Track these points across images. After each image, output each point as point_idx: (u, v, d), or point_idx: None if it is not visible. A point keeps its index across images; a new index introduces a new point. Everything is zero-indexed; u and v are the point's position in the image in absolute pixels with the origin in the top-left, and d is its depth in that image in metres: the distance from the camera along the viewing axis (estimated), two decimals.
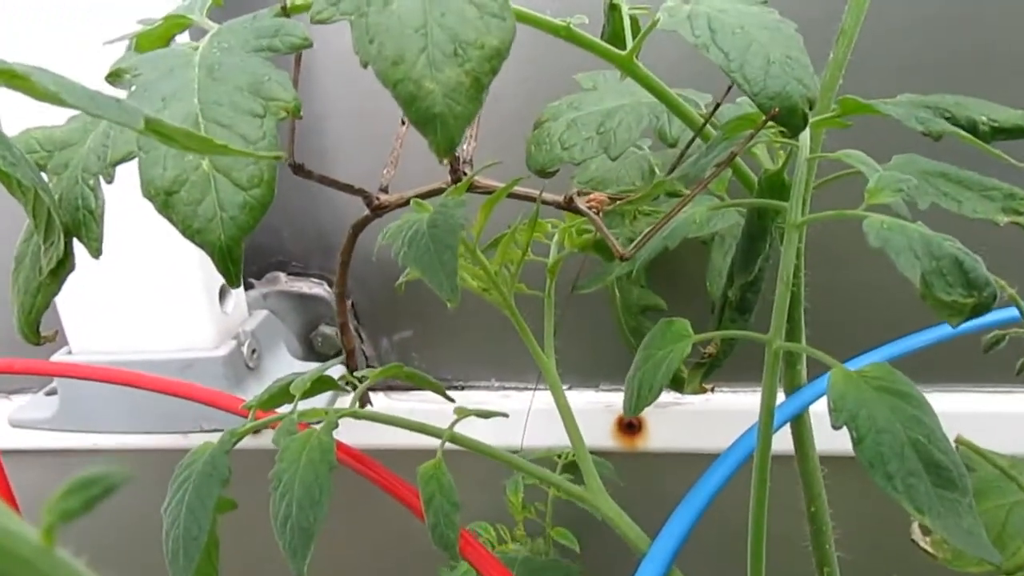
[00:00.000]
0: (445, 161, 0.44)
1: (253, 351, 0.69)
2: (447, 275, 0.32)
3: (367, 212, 0.48)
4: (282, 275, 0.77)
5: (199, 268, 0.65)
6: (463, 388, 0.79)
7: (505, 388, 0.78)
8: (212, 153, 0.29)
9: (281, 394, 0.46)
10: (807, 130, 0.35)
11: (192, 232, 0.31)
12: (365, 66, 0.29)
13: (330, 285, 0.78)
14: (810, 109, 0.34)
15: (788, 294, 0.36)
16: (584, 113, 0.54)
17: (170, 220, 0.31)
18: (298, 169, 0.43)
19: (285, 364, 0.74)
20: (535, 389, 0.67)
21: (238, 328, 0.69)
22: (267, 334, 0.73)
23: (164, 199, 0.31)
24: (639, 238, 0.37)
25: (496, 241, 0.47)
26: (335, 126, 0.71)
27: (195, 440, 0.49)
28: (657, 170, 0.63)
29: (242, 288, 0.73)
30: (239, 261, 0.31)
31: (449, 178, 0.45)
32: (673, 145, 0.53)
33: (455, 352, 0.79)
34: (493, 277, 0.42)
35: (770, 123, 0.34)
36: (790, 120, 0.34)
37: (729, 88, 0.41)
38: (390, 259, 0.37)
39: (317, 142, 0.71)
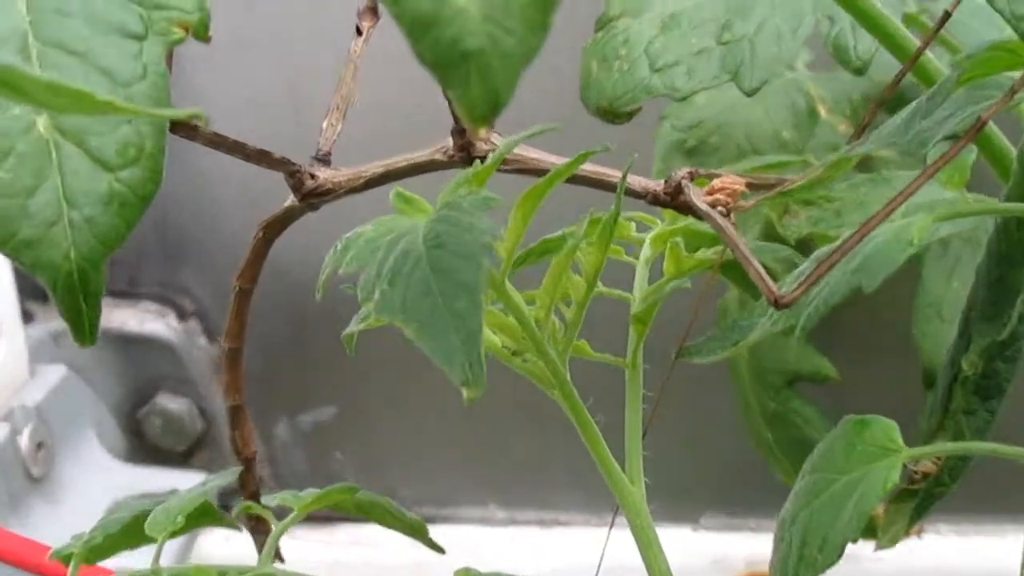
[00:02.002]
0: (479, 134, 0.47)
1: (39, 445, 0.72)
2: (464, 340, 0.34)
3: (289, 202, 0.51)
4: None
5: None
6: (433, 520, 0.83)
7: (518, 522, 0.83)
8: (55, 108, 0.33)
9: (125, 533, 0.50)
10: None
11: (16, 246, 0.35)
12: None
13: (178, 316, 0.82)
14: None
15: None
16: (692, 4, 0.58)
17: None
18: (176, 122, 0.46)
19: (95, 468, 0.78)
20: (610, 527, 0.72)
21: (11, 402, 0.73)
22: (64, 411, 0.77)
23: None
24: (807, 271, 0.41)
25: (528, 254, 0.51)
26: (223, 51, 0.77)
27: None
28: (823, 111, 0.68)
29: (18, 322, 0.77)
30: (98, 298, 0.35)
31: (449, 143, 0.48)
32: (861, 71, 0.58)
33: (419, 454, 0.84)
34: (534, 330, 0.45)
35: None
36: None
37: None
38: (299, 274, 0.41)
39: (188, 78, 0.76)
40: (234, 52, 0.78)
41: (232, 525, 0.52)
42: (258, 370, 0.81)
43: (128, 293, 0.82)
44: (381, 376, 0.81)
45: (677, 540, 0.81)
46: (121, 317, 0.82)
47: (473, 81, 0.29)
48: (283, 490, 0.52)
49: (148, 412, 0.83)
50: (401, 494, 0.83)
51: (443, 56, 0.29)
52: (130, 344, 0.82)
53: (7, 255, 0.36)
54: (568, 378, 0.46)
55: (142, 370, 0.83)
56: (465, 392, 0.34)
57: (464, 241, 0.37)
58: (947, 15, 0.47)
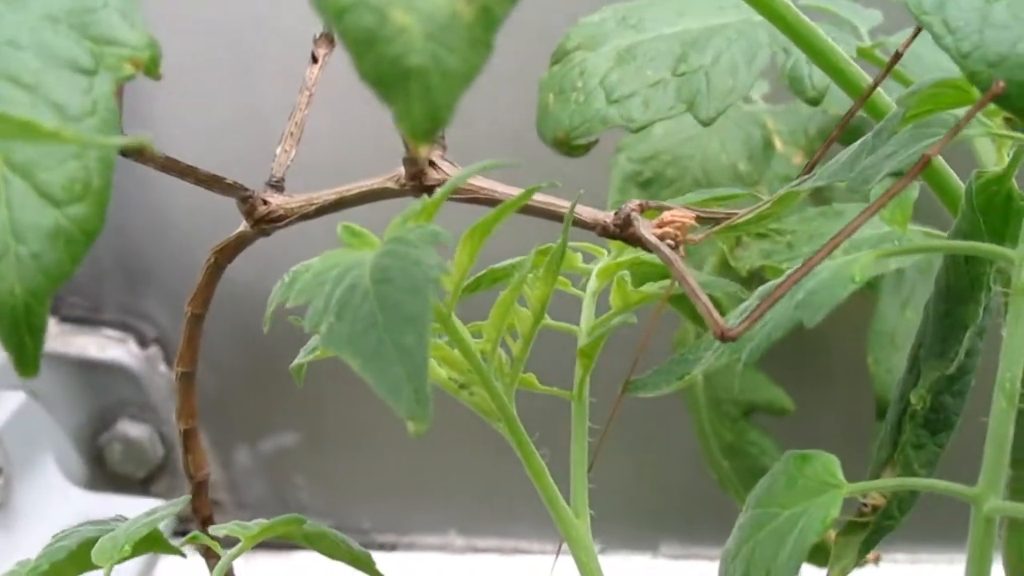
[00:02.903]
0: (420, 151, 0.47)
1: None
2: (410, 374, 0.34)
3: (241, 227, 0.51)
4: (50, 322, 0.80)
5: None
6: (394, 548, 0.84)
7: (478, 550, 0.83)
8: (2, 135, 0.33)
9: (71, 560, 0.50)
10: None
11: None
12: None
13: (139, 342, 0.82)
14: None
15: (1013, 414, 0.41)
16: (649, 38, 0.58)
17: None
18: (136, 149, 0.46)
19: (54, 494, 0.78)
20: (555, 558, 0.72)
21: None
22: (23, 437, 0.77)
23: None
24: (753, 306, 0.41)
25: (477, 283, 0.51)
26: (181, 78, 0.76)
27: None
28: (778, 143, 0.68)
29: None
30: (42, 332, 0.35)
31: (401, 171, 0.48)
32: (815, 101, 0.58)
33: (380, 481, 0.84)
34: (480, 363, 0.45)
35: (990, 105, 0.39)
36: (1021, 101, 0.38)
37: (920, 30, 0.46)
38: (260, 302, 0.41)
39: (143, 104, 0.76)
40: (193, 79, 0.78)
41: (179, 553, 0.52)
42: (219, 397, 0.82)
43: (89, 320, 0.82)
44: (342, 403, 0.81)
45: (636, 568, 0.81)
46: (82, 343, 0.82)
47: (414, 99, 0.29)
48: (244, 515, 0.51)
49: (109, 438, 0.83)
50: (362, 521, 0.84)
51: (385, 74, 0.29)
52: (91, 370, 0.82)
53: None
54: (514, 411, 0.47)
55: (103, 396, 0.83)
56: (411, 426, 0.34)
57: (411, 275, 0.37)
58: (898, 55, 0.48)
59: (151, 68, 0.38)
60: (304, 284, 0.39)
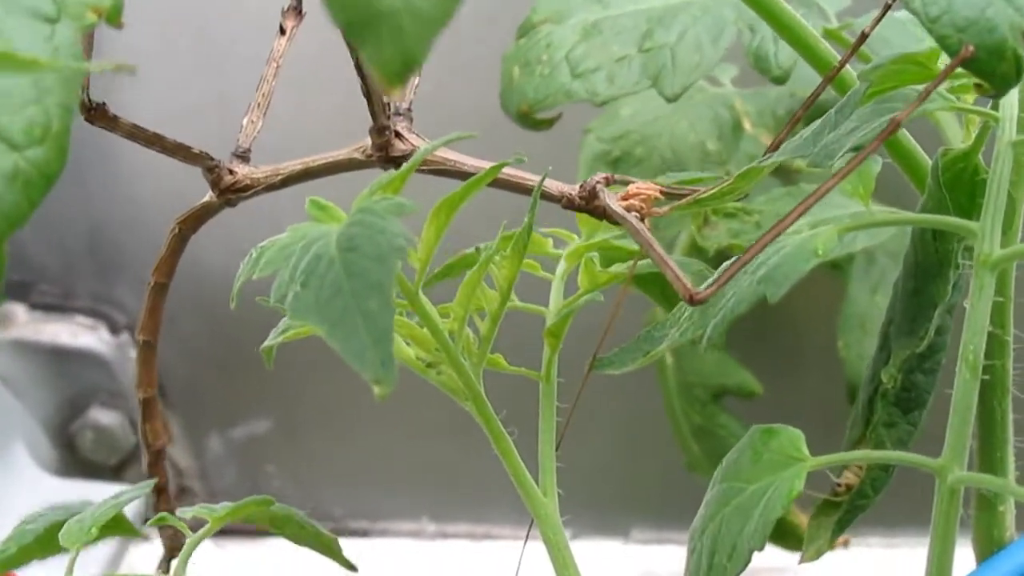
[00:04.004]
0: (392, 104, 0.47)
1: None
2: (375, 339, 0.34)
3: (207, 198, 0.51)
4: (21, 309, 0.81)
5: None
6: (367, 534, 0.83)
7: (450, 536, 0.83)
8: None
9: (38, 543, 0.49)
10: (1016, 94, 0.40)
11: None
12: None
13: (111, 329, 0.82)
14: None
15: (976, 385, 0.41)
16: (615, 13, 0.58)
17: None
18: (95, 112, 0.46)
19: (24, 481, 0.77)
20: (525, 540, 0.71)
21: None
22: None
23: None
24: (722, 273, 0.41)
25: (448, 269, 0.51)
26: (151, 61, 0.76)
27: None
28: (747, 124, 0.68)
29: None
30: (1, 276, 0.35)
31: (368, 142, 0.48)
32: (781, 80, 0.58)
33: (352, 468, 0.84)
34: (447, 341, 0.45)
35: (959, 70, 0.39)
36: (991, 66, 0.38)
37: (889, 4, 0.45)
38: (230, 291, 0.41)
39: (111, 89, 0.75)
40: (163, 63, 0.77)
41: (142, 535, 0.52)
42: (191, 384, 0.81)
43: (61, 307, 0.81)
44: (314, 390, 0.81)
45: (607, 553, 0.81)
46: (53, 331, 0.81)
47: (385, 41, 0.29)
48: (216, 503, 0.51)
49: (80, 426, 0.83)
50: (334, 507, 0.83)
51: (356, 16, 0.29)
52: (62, 357, 0.81)
53: None
54: (482, 390, 0.47)
55: (74, 384, 0.82)
56: (376, 389, 0.34)
57: (377, 243, 0.37)
58: (864, 36, 0.47)
59: (112, 16, 0.37)
60: (270, 256, 0.39)
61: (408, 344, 0.46)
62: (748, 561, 0.41)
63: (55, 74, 0.35)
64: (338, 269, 0.36)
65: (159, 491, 0.58)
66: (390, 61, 0.29)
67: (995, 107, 0.44)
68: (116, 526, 0.50)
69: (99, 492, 0.76)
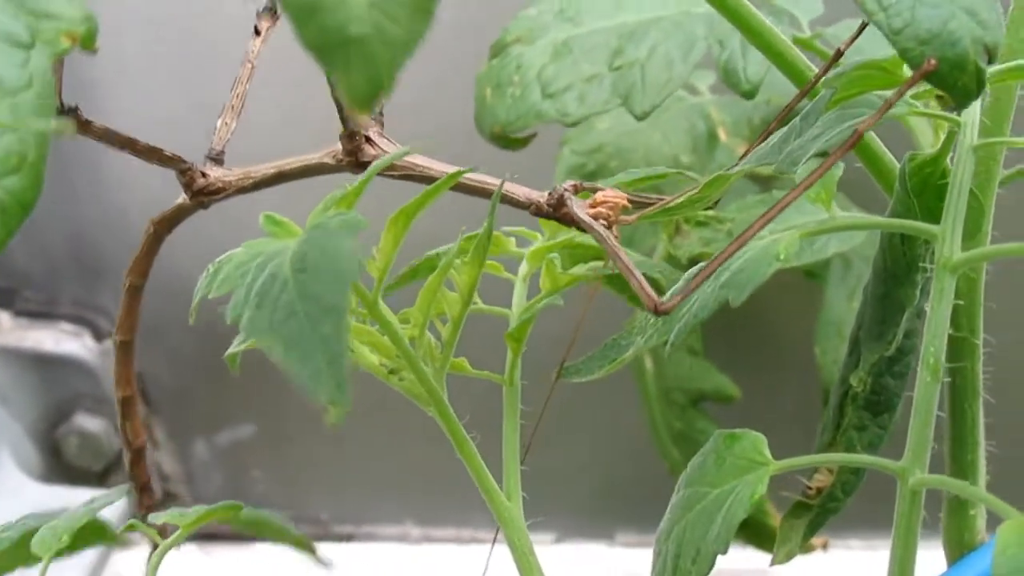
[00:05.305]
0: (361, 121, 0.47)
1: None
2: (329, 361, 0.34)
3: (181, 199, 0.51)
4: (5, 316, 0.81)
5: None
6: (351, 539, 0.83)
7: (435, 540, 0.83)
8: None
9: (12, 553, 0.49)
10: (979, 99, 0.40)
11: None
12: None
13: (95, 336, 0.82)
14: (989, 62, 0.38)
15: (937, 387, 0.41)
16: (585, 31, 0.58)
17: None
18: (67, 116, 0.46)
19: (9, 487, 0.77)
20: (492, 544, 0.72)
21: None
22: None
23: None
24: (688, 280, 0.41)
25: (408, 275, 0.51)
26: (131, 68, 0.76)
27: None
28: (723, 134, 0.68)
29: None
30: None
31: (339, 147, 0.48)
32: (750, 94, 0.58)
33: (337, 472, 0.83)
34: (407, 348, 0.44)
35: (922, 82, 0.38)
36: (953, 79, 0.38)
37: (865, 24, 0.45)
38: (214, 296, 0.41)
39: (85, 75, 0.76)
40: (143, 69, 0.77)
41: (120, 542, 0.51)
42: (176, 390, 0.81)
43: (45, 314, 0.81)
44: (299, 395, 0.80)
45: (592, 556, 0.81)
46: (37, 337, 0.81)
47: (356, 67, 0.29)
48: None
49: (65, 432, 0.83)
50: (320, 512, 0.83)
51: (327, 42, 0.29)
52: (47, 364, 0.81)
53: None
54: (444, 395, 0.47)
55: (59, 390, 0.82)
56: (331, 412, 0.34)
57: (330, 264, 0.37)
58: (839, 53, 0.47)
59: (87, 42, 0.37)
60: (226, 274, 0.39)
61: (371, 352, 0.46)
62: (712, 565, 0.41)
63: (30, 102, 0.36)
64: (292, 291, 0.36)
65: (142, 489, 0.59)
66: (359, 86, 0.29)
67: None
68: (95, 534, 0.50)
69: (84, 498, 0.76)
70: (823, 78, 0.47)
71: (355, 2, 0.29)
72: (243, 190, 0.50)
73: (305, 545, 0.54)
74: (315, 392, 0.34)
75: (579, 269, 0.50)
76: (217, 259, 0.41)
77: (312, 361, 0.34)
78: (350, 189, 0.41)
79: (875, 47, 0.59)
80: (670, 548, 0.43)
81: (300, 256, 0.37)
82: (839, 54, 0.47)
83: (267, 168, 0.50)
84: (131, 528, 0.52)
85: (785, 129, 0.44)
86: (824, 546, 0.76)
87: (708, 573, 0.42)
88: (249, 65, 0.53)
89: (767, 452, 0.43)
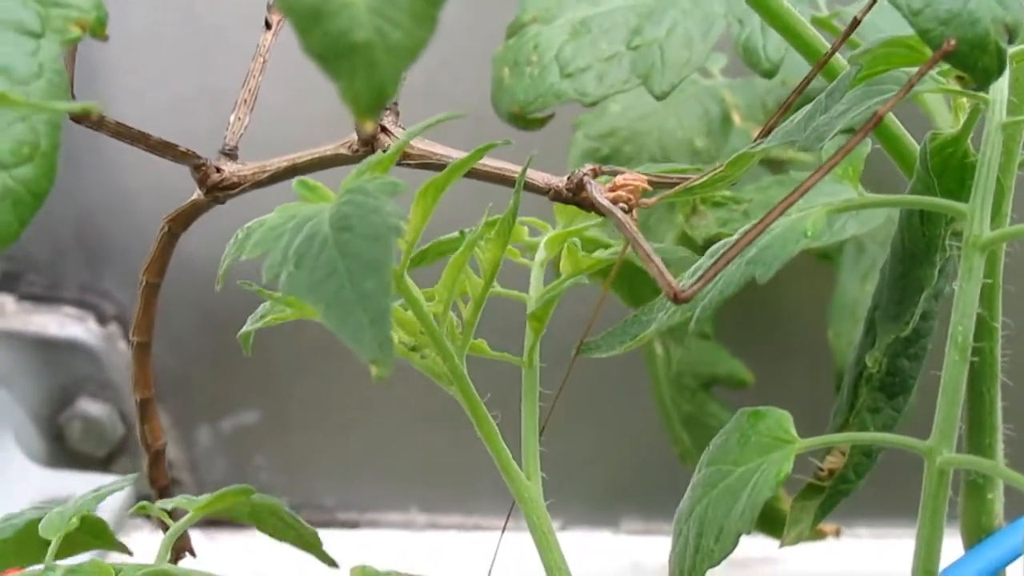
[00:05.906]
0: (365, 128, 0.47)
1: None
2: (372, 319, 0.33)
3: (195, 196, 0.50)
4: (9, 299, 0.81)
5: None
6: (356, 526, 0.83)
7: (440, 527, 0.83)
8: None
9: (18, 543, 0.49)
10: (1006, 76, 0.39)
11: None
12: None
13: (99, 320, 0.81)
14: (1010, 41, 0.38)
15: (965, 367, 0.40)
16: (603, 10, 0.58)
17: None
18: (84, 114, 0.46)
19: (13, 472, 0.77)
20: (504, 526, 0.71)
21: None
22: None
23: None
24: (705, 266, 0.40)
25: (425, 253, 0.50)
26: (140, 53, 0.76)
27: None
28: (737, 118, 0.68)
29: None
30: None
31: (354, 138, 0.48)
32: (770, 73, 0.58)
33: (342, 459, 0.83)
34: (433, 324, 0.44)
35: (942, 62, 0.38)
36: (973, 59, 0.38)
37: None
38: (212, 280, 0.40)
39: (100, 80, 0.75)
40: (151, 54, 0.77)
41: (122, 549, 0.51)
42: (180, 376, 0.81)
43: (48, 297, 0.81)
44: (303, 381, 0.81)
45: (597, 544, 0.81)
46: (41, 321, 0.81)
47: (359, 74, 0.29)
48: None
49: (69, 417, 0.82)
50: (324, 499, 0.83)
51: (330, 49, 0.29)
52: (50, 348, 0.81)
53: None
54: (465, 374, 0.46)
55: (62, 374, 0.82)
56: (374, 370, 0.33)
57: (371, 223, 0.36)
58: (856, 22, 0.47)
59: (97, 29, 0.37)
60: (260, 237, 0.38)
61: (392, 328, 0.46)
62: (735, 544, 0.41)
63: (41, 91, 0.35)
64: (332, 249, 0.36)
65: (160, 492, 0.58)
66: (363, 94, 0.29)
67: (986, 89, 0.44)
68: (96, 537, 0.50)
69: (88, 483, 0.75)
70: (835, 53, 0.47)
71: (357, 8, 0.29)
72: (258, 184, 0.50)
73: (310, 543, 0.54)
74: (358, 350, 0.33)
75: (600, 253, 0.50)
76: (245, 225, 0.41)
77: (354, 319, 0.34)
78: (384, 156, 0.41)
79: (892, 26, 0.59)
80: (691, 527, 0.43)
81: (340, 216, 0.37)
82: (855, 23, 0.47)
83: (281, 161, 0.49)
84: (141, 511, 0.52)
85: (810, 106, 0.44)
86: (837, 533, 0.76)
87: (731, 551, 0.41)
88: (261, 59, 0.53)
89: (792, 430, 0.43)
